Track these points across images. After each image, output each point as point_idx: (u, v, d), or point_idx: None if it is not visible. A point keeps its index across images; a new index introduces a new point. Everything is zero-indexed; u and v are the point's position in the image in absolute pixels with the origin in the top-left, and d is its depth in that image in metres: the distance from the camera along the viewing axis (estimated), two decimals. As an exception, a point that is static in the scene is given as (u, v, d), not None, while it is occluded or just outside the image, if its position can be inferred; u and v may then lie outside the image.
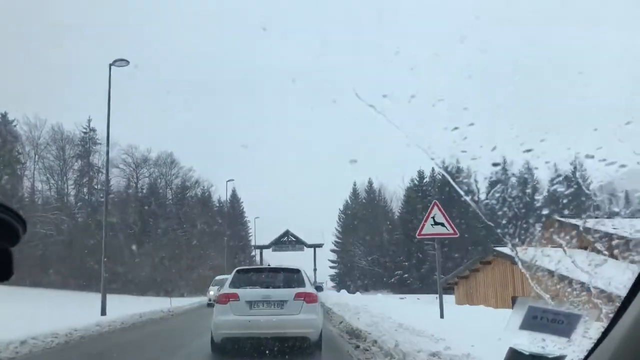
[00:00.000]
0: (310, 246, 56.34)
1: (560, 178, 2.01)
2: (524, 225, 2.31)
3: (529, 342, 1.43)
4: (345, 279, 57.96)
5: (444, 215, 9.46)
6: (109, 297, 14.57)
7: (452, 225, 9.43)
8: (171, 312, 17.87)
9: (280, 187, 68.05)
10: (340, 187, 63.91)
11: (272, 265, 8.34)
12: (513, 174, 2.43)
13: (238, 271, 7.76)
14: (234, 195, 61.61)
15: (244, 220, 62.13)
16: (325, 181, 64.62)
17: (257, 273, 7.99)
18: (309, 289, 7.33)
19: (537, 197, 2.30)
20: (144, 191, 44.62)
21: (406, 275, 50.04)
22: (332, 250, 62.40)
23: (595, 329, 1.32)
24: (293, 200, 66.61)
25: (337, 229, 62.67)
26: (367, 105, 2.03)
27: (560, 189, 1.90)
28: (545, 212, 2.38)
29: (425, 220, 9.54)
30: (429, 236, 9.69)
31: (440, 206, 9.52)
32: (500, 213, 2.27)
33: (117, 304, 16.02)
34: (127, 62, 15.27)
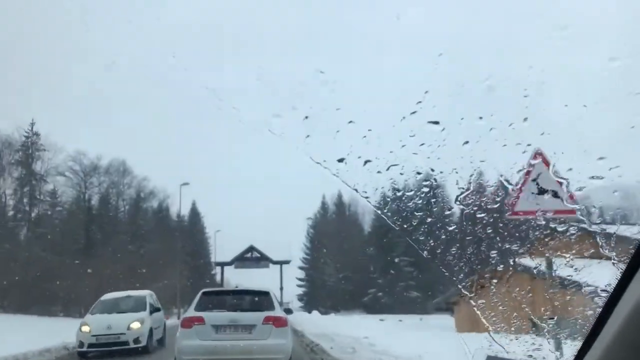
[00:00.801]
0: (276, 263, 55.52)
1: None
2: (477, 281, 2.55)
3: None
4: (314, 299, 57.69)
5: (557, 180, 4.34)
6: (38, 320, 12.43)
7: (572, 194, 4.29)
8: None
9: (244, 199, 67.58)
10: (309, 199, 63.98)
11: (239, 286, 8.48)
12: (468, 233, 2.65)
13: (204, 293, 7.88)
14: (193, 210, 60.47)
15: (204, 237, 60.90)
16: (293, 192, 64.58)
17: (224, 295, 8.22)
18: (278, 312, 7.51)
19: (492, 253, 2.54)
20: (93, 202, 43.50)
21: (380, 293, 49.96)
22: (300, 268, 61.90)
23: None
24: (258, 213, 66.09)
25: (305, 245, 62.15)
26: (323, 167, 2.22)
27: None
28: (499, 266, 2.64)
29: (522, 187, 4.51)
30: (530, 216, 4.44)
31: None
32: (456, 269, 2.49)
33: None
34: None
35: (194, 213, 60.77)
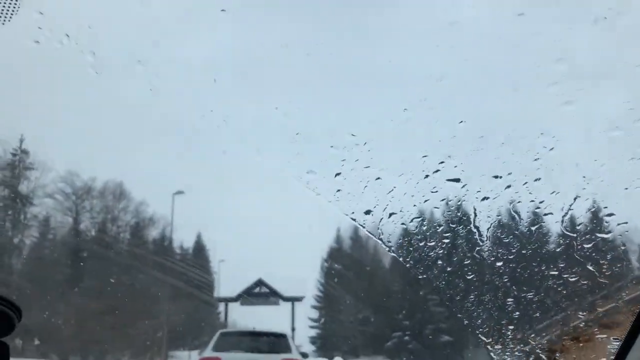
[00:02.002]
0: (287, 299, 54.98)
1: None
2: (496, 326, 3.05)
3: None
4: (329, 342, 56.79)
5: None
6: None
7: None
8: None
9: (252, 227, 68.07)
10: (324, 228, 63.97)
11: (255, 328, 9.59)
12: (485, 282, 3.20)
13: (222, 334, 9.11)
14: (198, 242, 60.75)
15: (209, 269, 60.52)
16: (307, 219, 64.95)
17: (242, 336, 9.30)
18: (295, 355, 8.68)
19: (509, 301, 3.06)
20: (83, 227, 44.22)
21: (406, 337, 48.34)
22: (314, 307, 60.91)
23: None
24: (266, 247, 66.39)
25: (319, 281, 60.97)
26: (351, 219, 2.81)
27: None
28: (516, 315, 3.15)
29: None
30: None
31: None
32: (474, 315, 3.01)
33: None
34: None
35: (199, 245, 61.17)
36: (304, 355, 10.62)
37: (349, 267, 56.00)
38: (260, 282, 55.97)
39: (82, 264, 41.35)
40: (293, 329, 53.38)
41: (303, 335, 60.69)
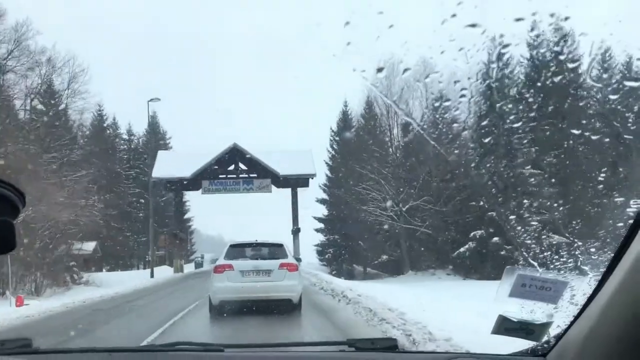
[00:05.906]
0: (285, 183, 52.91)
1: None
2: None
3: (517, 309, 2.80)
4: (347, 251, 55.64)
5: None
6: None
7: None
8: None
9: (233, 91, 66.96)
10: (332, 87, 61.67)
11: (258, 240, 18.32)
12: (503, 144, 9.69)
13: (231, 246, 17.89)
14: (153, 118, 60.65)
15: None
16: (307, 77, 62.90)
17: (247, 247, 18.15)
18: (290, 260, 17.27)
19: (527, 168, 8.90)
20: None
21: (496, 239, 39.60)
22: (320, 201, 61.24)
23: (581, 295, 2.50)
24: (252, 110, 64.91)
25: (327, 163, 62.45)
26: (362, 77, 5.58)
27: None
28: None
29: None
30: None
31: None
32: (490, 183, 8.72)
33: None
34: None
35: (155, 125, 63.32)
36: (298, 259, 19.36)
37: (371, 143, 54.35)
38: (235, 151, 52.93)
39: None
40: (296, 231, 52.57)
41: (306, 244, 58.24)
